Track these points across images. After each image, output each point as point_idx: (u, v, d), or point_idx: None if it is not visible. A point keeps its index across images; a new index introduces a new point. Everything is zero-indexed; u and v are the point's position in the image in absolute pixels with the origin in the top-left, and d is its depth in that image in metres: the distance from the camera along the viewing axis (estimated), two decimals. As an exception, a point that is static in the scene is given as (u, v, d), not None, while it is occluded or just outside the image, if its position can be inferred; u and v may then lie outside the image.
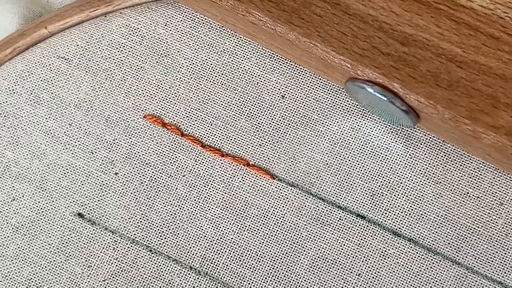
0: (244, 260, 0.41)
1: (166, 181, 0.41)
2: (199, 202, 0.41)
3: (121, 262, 0.41)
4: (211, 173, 0.41)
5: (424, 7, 0.38)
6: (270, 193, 0.41)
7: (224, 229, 0.41)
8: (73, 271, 0.41)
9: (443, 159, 0.40)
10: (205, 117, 0.42)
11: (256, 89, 0.42)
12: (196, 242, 0.41)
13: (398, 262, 0.40)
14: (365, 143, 0.41)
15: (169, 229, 0.41)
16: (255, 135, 0.41)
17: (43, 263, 0.41)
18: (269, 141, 0.41)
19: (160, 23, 0.43)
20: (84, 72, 0.42)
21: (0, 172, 0.42)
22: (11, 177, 0.42)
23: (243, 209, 0.41)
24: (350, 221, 0.40)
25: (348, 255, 0.40)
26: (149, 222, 0.41)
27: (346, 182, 0.41)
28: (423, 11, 0.38)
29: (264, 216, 0.41)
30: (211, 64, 0.42)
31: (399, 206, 0.40)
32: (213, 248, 0.41)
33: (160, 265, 0.41)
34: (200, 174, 0.41)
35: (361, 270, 0.40)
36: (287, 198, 0.41)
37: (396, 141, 0.41)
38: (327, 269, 0.40)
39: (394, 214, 0.40)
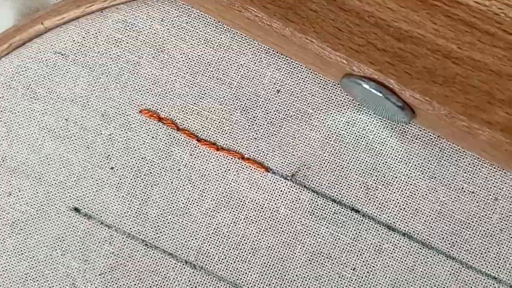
0: (239, 253, 0.41)
1: (162, 175, 0.41)
2: (195, 196, 0.41)
3: (117, 256, 0.41)
4: (207, 167, 0.41)
5: (420, 3, 0.38)
6: (265, 186, 0.41)
7: (219, 223, 0.41)
8: (70, 265, 0.41)
9: (438, 154, 0.41)
10: (201, 112, 0.42)
11: (252, 84, 0.42)
12: (191, 236, 0.41)
13: (392, 257, 0.40)
14: (360, 137, 0.41)
15: (165, 223, 0.41)
16: (250, 129, 0.42)
17: (40, 257, 0.41)
18: (264, 134, 0.41)
19: (156, 18, 0.43)
20: (81, 67, 0.43)
21: (-4, 166, 0.42)
22: (8, 171, 0.42)
23: (238, 203, 0.41)
24: (344, 215, 0.41)
25: (343, 249, 0.40)
26: (144, 216, 0.41)
27: (341, 176, 0.41)
28: (419, 7, 0.38)
29: (259, 210, 0.41)
30: (207, 59, 0.42)
31: (393, 200, 0.40)
32: (208, 241, 0.41)
33: (155, 259, 0.41)
34: (195, 168, 0.41)
35: (355, 264, 0.40)
36: (281, 191, 0.41)
37: (391, 136, 0.41)
38: (322, 263, 0.40)
39: (389, 209, 0.40)
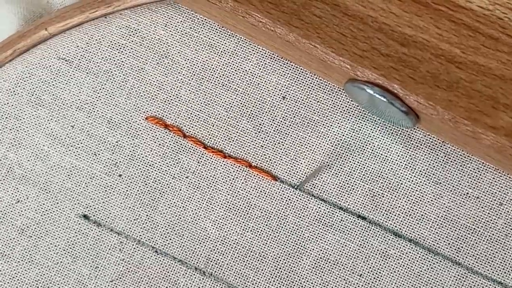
0: (247, 261, 0.41)
1: (170, 183, 0.42)
2: (203, 203, 0.42)
3: (127, 263, 0.41)
4: (214, 175, 0.42)
5: (424, 8, 0.38)
6: (272, 194, 0.41)
7: (228, 230, 0.41)
8: (80, 272, 0.42)
9: (443, 160, 0.41)
10: (207, 118, 0.42)
11: (257, 90, 0.42)
12: (200, 243, 0.41)
13: (399, 263, 0.40)
14: (366, 144, 0.41)
15: (174, 230, 0.41)
16: (257, 136, 0.42)
17: (50, 264, 0.42)
18: (271, 142, 0.42)
19: (160, 24, 0.43)
20: (85, 74, 0.43)
21: (3, 174, 0.42)
22: (15, 179, 0.42)
23: (246, 210, 0.41)
24: (351, 222, 0.41)
25: (350, 255, 0.41)
26: (154, 223, 0.42)
27: (347, 183, 0.41)
28: (422, 12, 0.38)
29: (267, 217, 0.41)
30: (212, 65, 0.42)
31: (399, 207, 0.41)
32: (217, 249, 0.41)
33: (166, 266, 0.41)
34: (203, 175, 0.42)
35: (362, 270, 0.41)
36: (289, 199, 0.41)
37: (396, 142, 0.41)
38: (329, 270, 0.41)
39: (395, 215, 0.41)
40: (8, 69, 0.43)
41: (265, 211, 0.41)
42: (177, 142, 0.42)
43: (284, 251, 0.41)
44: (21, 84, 0.43)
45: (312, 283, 0.41)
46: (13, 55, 0.43)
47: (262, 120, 0.42)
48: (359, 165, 0.41)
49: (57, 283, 0.42)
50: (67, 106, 0.42)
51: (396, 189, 0.41)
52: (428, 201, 0.41)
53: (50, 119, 0.42)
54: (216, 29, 0.43)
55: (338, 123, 0.41)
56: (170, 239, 0.41)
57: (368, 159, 0.41)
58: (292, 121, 0.42)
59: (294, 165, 0.41)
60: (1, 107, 0.43)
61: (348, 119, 0.41)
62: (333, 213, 0.41)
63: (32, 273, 0.42)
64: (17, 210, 0.42)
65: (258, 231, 0.41)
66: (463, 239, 0.40)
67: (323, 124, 0.41)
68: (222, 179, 0.42)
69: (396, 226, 0.41)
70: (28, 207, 0.42)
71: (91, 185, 0.42)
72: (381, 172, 0.41)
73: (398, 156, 0.41)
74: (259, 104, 0.42)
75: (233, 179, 0.42)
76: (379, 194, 0.41)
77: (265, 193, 0.41)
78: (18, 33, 0.43)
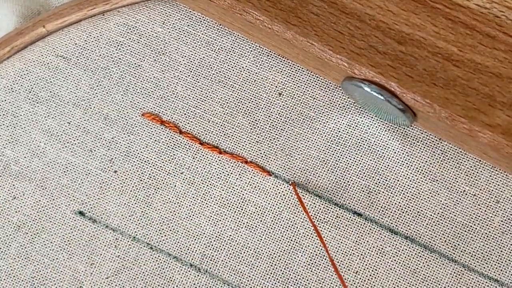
0: (242, 257, 0.41)
1: (165, 179, 0.42)
2: (198, 199, 0.42)
3: (123, 260, 0.41)
4: (209, 171, 0.42)
5: (421, 6, 0.38)
6: (268, 190, 0.41)
7: (223, 226, 0.41)
8: (76, 268, 0.41)
9: (439, 157, 0.41)
10: (203, 115, 0.42)
11: (253, 87, 0.42)
12: (195, 240, 0.41)
13: (395, 260, 0.40)
14: (362, 140, 0.41)
15: (169, 227, 0.41)
16: (253, 132, 0.42)
17: (46, 261, 0.42)
18: (266, 138, 0.42)
19: (158, 21, 0.43)
20: (83, 71, 0.43)
21: (0, 170, 0.42)
22: (11, 175, 0.42)
23: (241, 207, 0.41)
24: (347, 218, 0.41)
25: (345, 252, 0.41)
26: (149, 220, 0.42)
27: (343, 180, 0.41)
28: (420, 10, 0.38)
29: (262, 214, 0.41)
30: (209, 61, 0.42)
31: (395, 203, 0.41)
32: (212, 245, 0.41)
33: (161, 262, 0.41)
34: (198, 171, 0.42)
35: (358, 267, 0.41)
36: (284, 195, 0.41)
37: (393, 139, 0.41)
38: (324, 267, 0.41)
39: (391, 212, 0.41)
40: (5, 66, 0.43)
41: (260, 207, 0.41)
42: (173, 138, 0.42)
43: (280, 248, 0.41)
44: (19, 81, 0.43)
45: (307, 279, 0.41)
46: (10, 52, 0.43)
47: (258, 116, 0.42)
48: (355, 162, 0.41)
49: (53, 280, 0.41)
50: (64, 103, 0.43)
51: (392, 185, 0.41)
52: (425, 198, 0.41)
53: (47, 115, 0.42)
54: (213, 26, 0.43)
55: (334, 119, 0.41)
56: (165, 235, 0.41)
57: (364, 155, 0.41)
58: (288, 117, 0.42)
59: (290, 162, 0.41)
60: (-2, 104, 0.43)
61: (344, 116, 0.41)
62: (328, 209, 0.41)
63: (28, 270, 0.42)
64: (13, 206, 0.42)
65: (253, 227, 0.41)
66: (459, 237, 0.40)
67: (319, 121, 0.41)
68: (218, 175, 0.42)
69: (392, 223, 0.41)
70: (24, 204, 0.42)
71: (87, 181, 0.42)
72: (378, 168, 0.41)
73: (395, 153, 0.41)
74: (255, 100, 0.42)
75: (229, 175, 0.42)
76: (375, 191, 0.41)
77: (260, 189, 0.41)
78: (16, 30, 0.43)
